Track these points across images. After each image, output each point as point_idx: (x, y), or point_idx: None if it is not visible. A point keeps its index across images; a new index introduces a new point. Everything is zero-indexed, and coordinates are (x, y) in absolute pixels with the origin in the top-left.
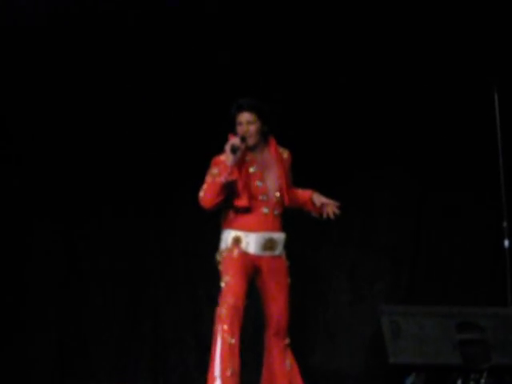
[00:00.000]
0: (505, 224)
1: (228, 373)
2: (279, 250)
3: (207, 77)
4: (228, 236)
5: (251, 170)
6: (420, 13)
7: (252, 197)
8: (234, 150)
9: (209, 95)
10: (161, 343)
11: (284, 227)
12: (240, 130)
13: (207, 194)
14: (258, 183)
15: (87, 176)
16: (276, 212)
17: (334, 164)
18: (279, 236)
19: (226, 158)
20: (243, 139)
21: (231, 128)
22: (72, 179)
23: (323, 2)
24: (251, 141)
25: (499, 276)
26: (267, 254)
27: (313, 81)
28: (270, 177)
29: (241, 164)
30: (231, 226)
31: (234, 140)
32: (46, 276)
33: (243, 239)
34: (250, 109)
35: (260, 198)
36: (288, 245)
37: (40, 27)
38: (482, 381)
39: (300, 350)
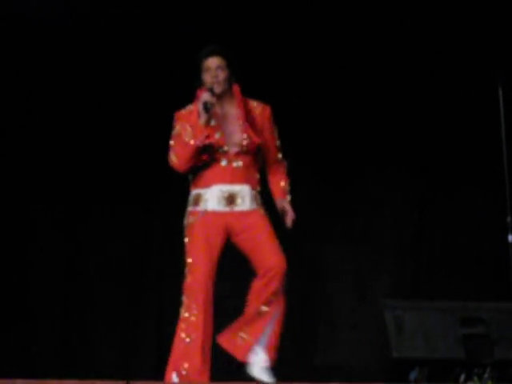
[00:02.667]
0: (509, 219)
1: (183, 371)
2: (246, 205)
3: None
4: (190, 196)
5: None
6: (423, 6)
7: (211, 150)
8: (207, 107)
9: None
10: (164, 337)
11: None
12: (208, 76)
13: (180, 159)
14: (216, 135)
15: (90, 172)
16: (236, 164)
17: (338, 162)
18: (241, 188)
19: (199, 117)
20: (211, 90)
21: (197, 81)
22: (75, 175)
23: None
24: (218, 89)
25: (503, 270)
26: (232, 209)
27: (315, 79)
28: (229, 128)
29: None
30: (194, 186)
31: (206, 96)
32: (49, 271)
33: (202, 196)
34: (220, 54)
35: (219, 150)
36: (291, 241)
37: (40, 27)
38: (486, 375)
39: (303, 345)
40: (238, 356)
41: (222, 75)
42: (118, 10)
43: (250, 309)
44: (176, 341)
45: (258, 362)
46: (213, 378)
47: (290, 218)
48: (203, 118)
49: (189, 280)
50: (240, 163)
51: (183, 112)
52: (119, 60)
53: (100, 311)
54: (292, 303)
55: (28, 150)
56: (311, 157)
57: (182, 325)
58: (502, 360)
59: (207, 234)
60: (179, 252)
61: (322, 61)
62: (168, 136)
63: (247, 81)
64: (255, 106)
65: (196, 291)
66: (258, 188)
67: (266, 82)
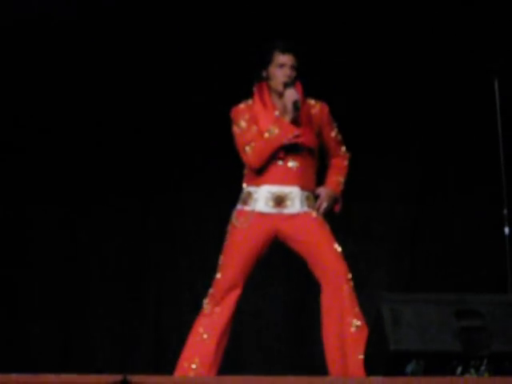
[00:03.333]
0: (505, 211)
1: (193, 365)
2: (296, 207)
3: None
4: (242, 193)
5: (276, 113)
6: (419, 1)
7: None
8: (297, 107)
9: (209, 91)
10: (162, 332)
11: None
12: (280, 72)
13: (261, 156)
14: (275, 131)
15: (88, 170)
16: (291, 164)
17: None
18: (291, 190)
19: (287, 115)
20: (291, 85)
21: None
22: (72, 172)
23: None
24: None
25: (499, 263)
26: (281, 211)
27: (313, 70)
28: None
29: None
30: (246, 182)
31: (295, 95)
32: (47, 267)
33: (252, 195)
34: (295, 52)
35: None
36: None
37: (39, 27)
38: (483, 368)
39: (300, 338)
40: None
41: (293, 74)
42: (117, 8)
43: (344, 325)
44: (193, 335)
45: None
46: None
47: (318, 204)
48: (292, 116)
49: (219, 276)
50: (295, 163)
51: (242, 106)
52: (116, 59)
53: (97, 306)
54: (290, 295)
55: (25, 149)
56: None
57: (202, 320)
58: (498, 352)
59: (250, 234)
60: (177, 249)
61: (319, 51)
62: (165, 134)
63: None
64: (313, 104)
65: (224, 289)
66: (312, 189)
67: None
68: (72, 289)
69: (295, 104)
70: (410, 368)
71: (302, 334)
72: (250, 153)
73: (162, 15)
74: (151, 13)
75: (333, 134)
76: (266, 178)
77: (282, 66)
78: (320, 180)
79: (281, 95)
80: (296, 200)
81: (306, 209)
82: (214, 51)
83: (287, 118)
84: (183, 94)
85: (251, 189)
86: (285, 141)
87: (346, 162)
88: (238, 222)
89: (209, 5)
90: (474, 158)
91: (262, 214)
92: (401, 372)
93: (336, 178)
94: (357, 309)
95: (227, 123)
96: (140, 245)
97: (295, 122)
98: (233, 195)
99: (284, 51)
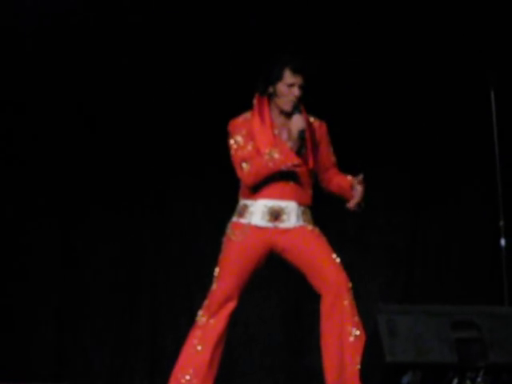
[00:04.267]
0: (501, 223)
1: (187, 376)
2: (292, 221)
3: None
4: (237, 206)
5: (276, 132)
6: (416, 8)
7: None
8: (302, 137)
9: (204, 91)
10: (158, 343)
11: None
12: (289, 92)
13: (258, 173)
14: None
15: (84, 174)
16: (288, 179)
17: None
18: (287, 205)
19: (293, 143)
20: (298, 109)
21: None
22: (69, 177)
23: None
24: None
25: (496, 275)
26: (277, 226)
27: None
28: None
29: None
30: (242, 195)
31: (302, 124)
32: (43, 273)
33: (248, 208)
34: (305, 73)
35: None
36: None
37: (38, 26)
38: (479, 379)
39: (295, 349)
40: None
41: (300, 94)
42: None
43: (343, 335)
44: (187, 346)
45: None
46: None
47: (356, 199)
48: (296, 145)
49: (214, 288)
50: (293, 179)
51: (240, 121)
52: (114, 63)
53: (93, 314)
54: (285, 306)
55: (19, 157)
56: None
57: (196, 331)
58: (495, 364)
59: (245, 247)
60: (173, 254)
61: (316, 58)
62: (161, 144)
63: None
64: (312, 121)
65: (219, 301)
66: (309, 204)
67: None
68: (68, 299)
69: (301, 133)
70: (406, 380)
71: (299, 343)
72: (247, 171)
73: (164, 18)
74: (152, 16)
75: (330, 153)
76: (263, 192)
77: (291, 86)
78: (316, 195)
79: (285, 114)
80: (292, 214)
81: (301, 223)
82: (218, 59)
83: (290, 145)
84: (180, 98)
85: (247, 202)
86: (283, 168)
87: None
88: (233, 234)
89: (212, 10)
90: (470, 169)
91: (257, 228)
92: (397, 383)
93: (350, 178)
94: (356, 318)
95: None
96: (136, 255)
97: (300, 150)
98: (229, 206)
99: (295, 71)
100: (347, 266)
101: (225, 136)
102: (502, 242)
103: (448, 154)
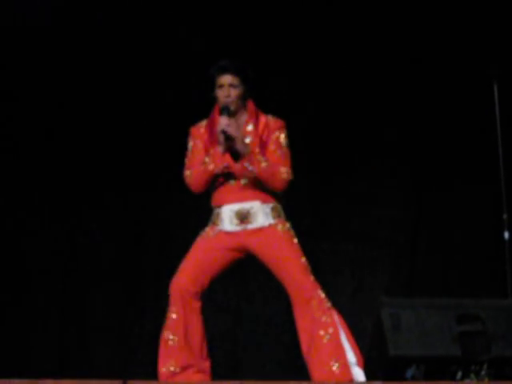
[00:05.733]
0: (505, 216)
1: (171, 367)
2: (259, 221)
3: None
4: (211, 214)
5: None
6: (419, 3)
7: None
8: (228, 137)
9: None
10: (159, 337)
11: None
12: (220, 93)
13: (197, 181)
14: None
15: (85, 174)
16: (244, 181)
17: (334, 158)
18: (251, 205)
19: (219, 145)
20: (227, 109)
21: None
22: (69, 177)
23: None
24: (232, 106)
25: (499, 268)
26: (245, 227)
27: (312, 76)
28: (232, 125)
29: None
30: (211, 203)
31: (223, 125)
32: (45, 271)
33: (219, 216)
34: (232, 70)
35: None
36: None
37: (38, 26)
38: (483, 372)
39: (299, 344)
40: (346, 380)
41: (234, 92)
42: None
43: (315, 338)
44: (161, 340)
45: (359, 375)
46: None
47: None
48: (222, 148)
49: (174, 277)
50: (247, 180)
51: (196, 127)
52: (111, 62)
53: (96, 311)
54: (288, 301)
55: (22, 151)
56: (308, 155)
57: (166, 324)
58: (498, 357)
59: (212, 245)
60: (175, 251)
61: (313, 56)
62: (158, 137)
63: None
64: (269, 120)
65: (175, 291)
66: (274, 202)
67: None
68: (71, 296)
69: (223, 134)
70: (410, 373)
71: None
72: (188, 179)
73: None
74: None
75: (273, 151)
76: (225, 197)
77: (221, 87)
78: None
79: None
80: (259, 214)
81: (271, 221)
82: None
83: (219, 149)
84: (179, 97)
85: (217, 209)
86: (217, 171)
87: (275, 170)
88: (205, 233)
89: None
90: (473, 163)
91: (228, 233)
92: (401, 377)
93: (259, 157)
94: (324, 318)
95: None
96: (137, 252)
97: (228, 151)
98: None
99: (221, 72)
100: (351, 261)
101: None
102: (506, 234)
103: (451, 148)
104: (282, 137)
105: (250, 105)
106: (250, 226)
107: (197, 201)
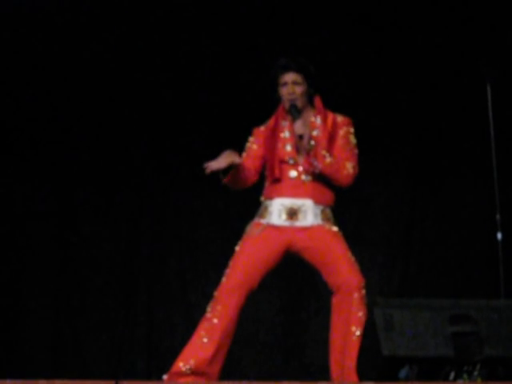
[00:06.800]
0: (498, 217)
1: (187, 366)
2: (308, 220)
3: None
4: (260, 207)
5: (282, 135)
6: (413, 4)
7: (281, 162)
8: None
9: (200, 87)
10: (154, 339)
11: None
12: (285, 91)
13: (230, 183)
14: (287, 147)
15: (80, 175)
16: (305, 177)
17: None
18: (303, 203)
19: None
20: (294, 107)
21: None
22: (65, 178)
23: None
24: (298, 103)
25: (492, 268)
26: (293, 224)
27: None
28: (304, 125)
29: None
30: (263, 195)
31: (301, 129)
32: (40, 272)
33: (268, 208)
34: (296, 69)
35: (289, 161)
36: None
37: (38, 26)
38: (475, 373)
39: (293, 343)
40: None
41: (298, 89)
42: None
43: (347, 332)
44: (195, 336)
45: None
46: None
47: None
48: (302, 149)
49: (223, 282)
50: (309, 177)
51: (256, 129)
52: (111, 63)
53: (90, 311)
54: (281, 301)
55: (17, 153)
56: None
57: (204, 323)
58: (491, 357)
59: (260, 243)
60: (169, 253)
61: (312, 53)
62: (159, 138)
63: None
64: (336, 116)
65: (225, 295)
66: (329, 204)
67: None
68: (64, 296)
69: (300, 139)
70: (403, 373)
71: (296, 340)
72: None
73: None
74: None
75: (341, 149)
76: (280, 191)
77: (284, 85)
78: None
79: (290, 114)
80: (309, 213)
81: (320, 222)
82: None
83: (288, 148)
84: (184, 94)
85: (266, 202)
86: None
87: (341, 165)
88: (251, 231)
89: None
90: (467, 164)
91: (275, 227)
92: (394, 377)
93: (324, 153)
94: (360, 314)
95: (227, 127)
96: (131, 252)
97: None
98: (226, 200)
99: (283, 69)
100: None
101: (226, 132)
102: (499, 235)
103: (445, 148)
104: (350, 133)
105: (317, 101)
106: (298, 224)
107: (191, 204)
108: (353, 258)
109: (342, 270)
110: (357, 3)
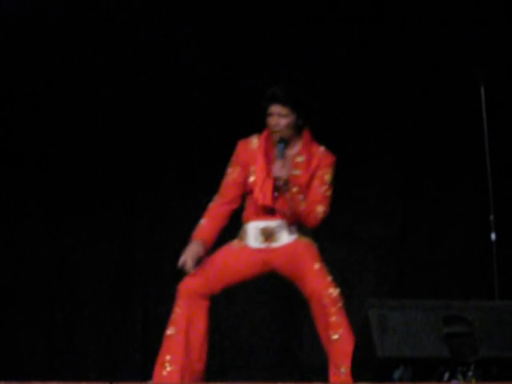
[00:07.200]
0: (492, 217)
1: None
2: (283, 240)
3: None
4: (240, 229)
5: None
6: (407, 5)
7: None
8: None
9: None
10: (150, 341)
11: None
12: (270, 121)
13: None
14: (250, 178)
15: (75, 178)
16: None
17: None
18: (277, 224)
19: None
20: (282, 142)
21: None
22: (59, 180)
23: None
24: (283, 135)
25: (486, 269)
26: (269, 246)
27: (303, 76)
28: (285, 166)
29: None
30: (242, 218)
31: (280, 172)
32: (34, 273)
33: (246, 231)
34: (283, 100)
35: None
36: None
37: (38, 27)
38: (470, 373)
39: (288, 344)
40: None
41: (283, 122)
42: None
43: (324, 338)
44: (164, 337)
45: None
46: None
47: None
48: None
49: (182, 280)
50: (280, 199)
51: (243, 146)
52: (109, 63)
53: (85, 313)
54: (275, 302)
55: (11, 154)
56: None
57: (170, 318)
58: (485, 358)
59: (236, 256)
60: (164, 254)
61: (303, 57)
62: (151, 142)
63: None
64: (320, 154)
65: (183, 290)
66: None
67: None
68: (59, 297)
69: (278, 181)
70: (397, 374)
71: (290, 341)
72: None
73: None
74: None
75: (315, 184)
76: (253, 214)
77: (271, 115)
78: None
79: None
80: (283, 232)
81: (294, 237)
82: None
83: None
84: (174, 98)
85: (244, 225)
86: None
87: (312, 209)
88: (232, 243)
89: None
90: (460, 164)
91: (252, 249)
92: (388, 378)
93: (299, 197)
94: (333, 318)
95: (219, 134)
96: (126, 253)
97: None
98: None
99: (270, 99)
100: (338, 262)
101: (219, 138)
102: (493, 236)
103: (438, 149)
104: (329, 174)
105: (306, 135)
106: (274, 245)
107: (186, 209)
108: (319, 266)
109: (309, 280)
110: (354, 3)
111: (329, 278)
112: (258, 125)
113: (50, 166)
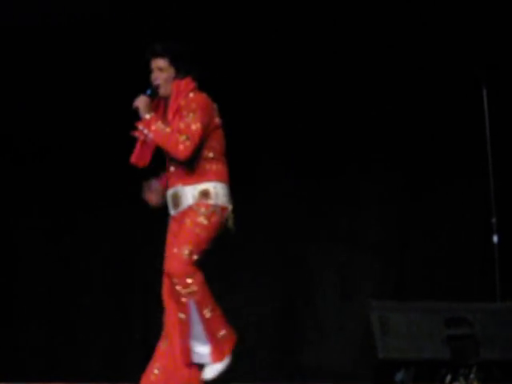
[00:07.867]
0: (494, 220)
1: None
2: (183, 205)
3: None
4: None
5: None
6: (408, 6)
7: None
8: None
9: None
10: (150, 343)
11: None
12: (152, 77)
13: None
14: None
15: (75, 180)
16: (173, 165)
17: (322, 161)
18: (178, 189)
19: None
20: (151, 90)
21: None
22: (60, 184)
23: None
24: (162, 90)
25: (488, 271)
26: (177, 212)
27: (300, 77)
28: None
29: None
30: None
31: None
32: (35, 275)
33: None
34: (159, 54)
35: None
36: (275, 241)
37: (37, 27)
38: (471, 376)
39: (289, 347)
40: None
41: (162, 76)
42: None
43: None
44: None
45: (209, 370)
46: None
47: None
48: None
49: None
50: (173, 162)
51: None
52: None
53: (85, 314)
54: (277, 304)
55: (12, 153)
56: (295, 156)
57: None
58: (487, 360)
59: (168, 234)
60: (163, 260)
61: (304, 56)
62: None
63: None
64: (188, 98)
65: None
66: (206, 184)
67: (251, 77)
68: (60, 300)
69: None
70: (399, 376)
71: (290, 341)
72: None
73: None
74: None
75: (176, 121)
76: (168, 183)
77: (152, 71)
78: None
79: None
80: (183, 197)
81: (190, 202)
82: None
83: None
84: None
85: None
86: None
87: (173, 137)
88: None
89: None
90: (462, 166)
91: (171, 218)
92: (390, 380)
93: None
94: (183, 300)
95: None
96: (127, 254)
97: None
98: None
99: (150, 55)
100: (340, 264)
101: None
102: (495, 238)
103: (440, 151)
104: (192, 110)
105: (174, 85)
106: (178, 210)
107: None
108: (182, 244)
109: (168, 256)
110: (354, 3)
111: (190, 266)
112: None
113: (52, 169)
